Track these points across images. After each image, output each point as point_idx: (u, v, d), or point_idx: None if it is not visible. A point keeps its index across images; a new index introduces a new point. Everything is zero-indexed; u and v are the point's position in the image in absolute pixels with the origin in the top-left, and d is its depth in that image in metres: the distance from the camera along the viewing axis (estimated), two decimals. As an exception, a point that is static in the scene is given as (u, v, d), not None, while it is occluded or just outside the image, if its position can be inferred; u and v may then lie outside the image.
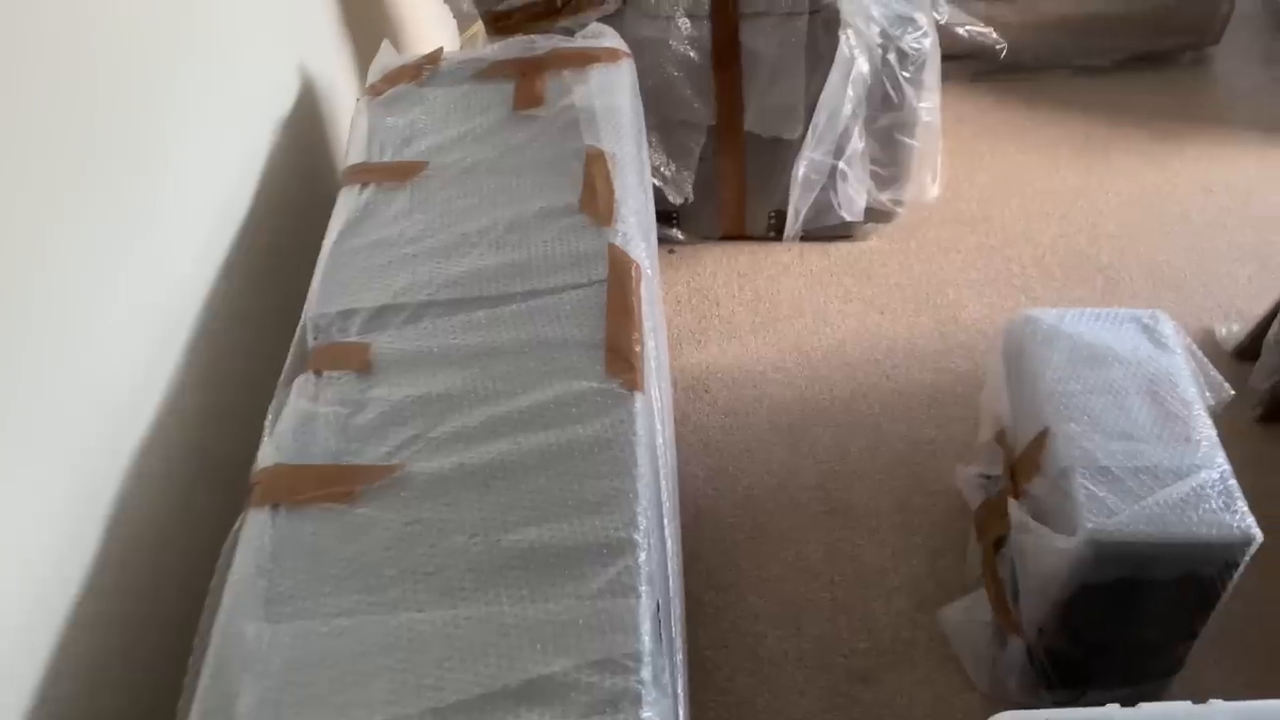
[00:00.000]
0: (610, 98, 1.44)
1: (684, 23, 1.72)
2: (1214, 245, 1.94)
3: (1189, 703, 0.95)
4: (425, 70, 1.49)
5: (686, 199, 1.90)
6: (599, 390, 1.04)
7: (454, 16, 2.17)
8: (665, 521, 1.03)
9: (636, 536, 0.91)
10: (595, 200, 1.27)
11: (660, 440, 1.07)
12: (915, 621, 1.42)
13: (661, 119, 1.79)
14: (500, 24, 1.77)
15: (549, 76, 1.46)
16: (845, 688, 1.37)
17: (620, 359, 1.08)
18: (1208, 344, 1.75)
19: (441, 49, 1.52)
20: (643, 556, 0.90)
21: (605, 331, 1.10)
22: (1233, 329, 1.75)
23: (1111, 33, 2.35)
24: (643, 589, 0.88)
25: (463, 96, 1.45)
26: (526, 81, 1.45)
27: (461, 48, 2.24)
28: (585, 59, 1.50)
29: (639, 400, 1.04)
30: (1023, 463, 1.26)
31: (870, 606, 1.45)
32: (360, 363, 1.09)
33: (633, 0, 1.73)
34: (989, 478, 1.42)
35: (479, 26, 1.95)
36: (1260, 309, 1.67)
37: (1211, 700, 0.94)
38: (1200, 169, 2.11)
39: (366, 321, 1.13)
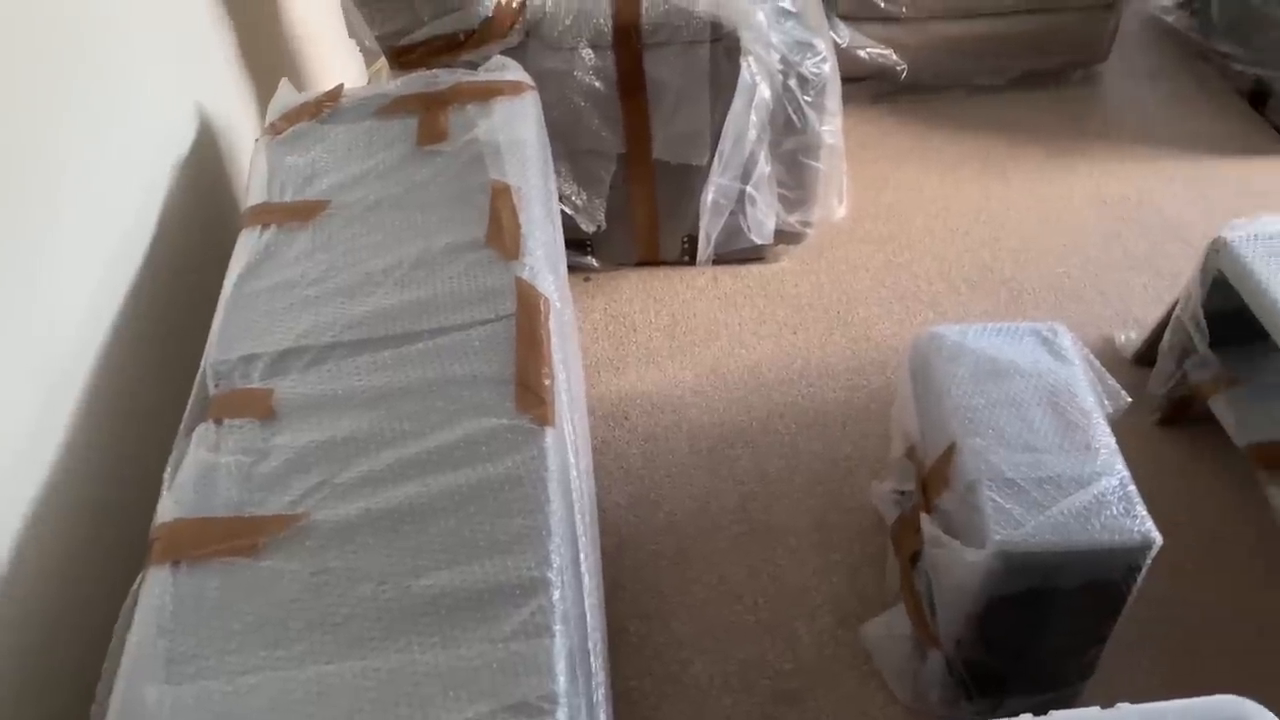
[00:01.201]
0: (515, 131, 1.44)
1: (587, 53, 1.73)
2: (1110, 256, 2.01)
3: (1097, 708, 0.97)
4: (325, 108, 1.48)
5: (600, 227, 1.91)
6: (509, 427, 1.03)
7: (360, 52, 2.16)
8: (582, 556, 1.03)
9: (549, 575, 0.91)
10: (501, 234, 1.27)
11: (575, 474, 1.07)
12: (838, 639, 1.44)
13: (570, 148, 1.80)
14: (403, 59, 1.76)
15: (453, 111, 1.46)
16: (771, 709, 1.37)
17: (530, 394, 1.07)
18: (1108, 352, 1.81)
19: (342, 86, 1.50)
20: (556, 595, 0.90)
21: (515, 367, 1.10)
22: (1131, 336, 1.81)
23: (1005, 52, 2.43)
24: (557, 628, 0.88)
25: (365, 133, 1.44)
26: (430, 116, 1.45)
27: (369, 83, 2.23)
28: (489, 92, 1.49)
29: (550, 435, 1.03)
30: (932, 477, 1.29)
31: (793, 626, 1.46)
32: (263, 409, 1.07)
33: (535, 32, 1.74)
34: (903, 493, 1.45)
35: (383, 62, 1.94)
36: (1155, 316, 1.73)
37: (1119, 704, 0.97)
38: (1094, 182, 2.19)
39: (269, 366, 1.11)
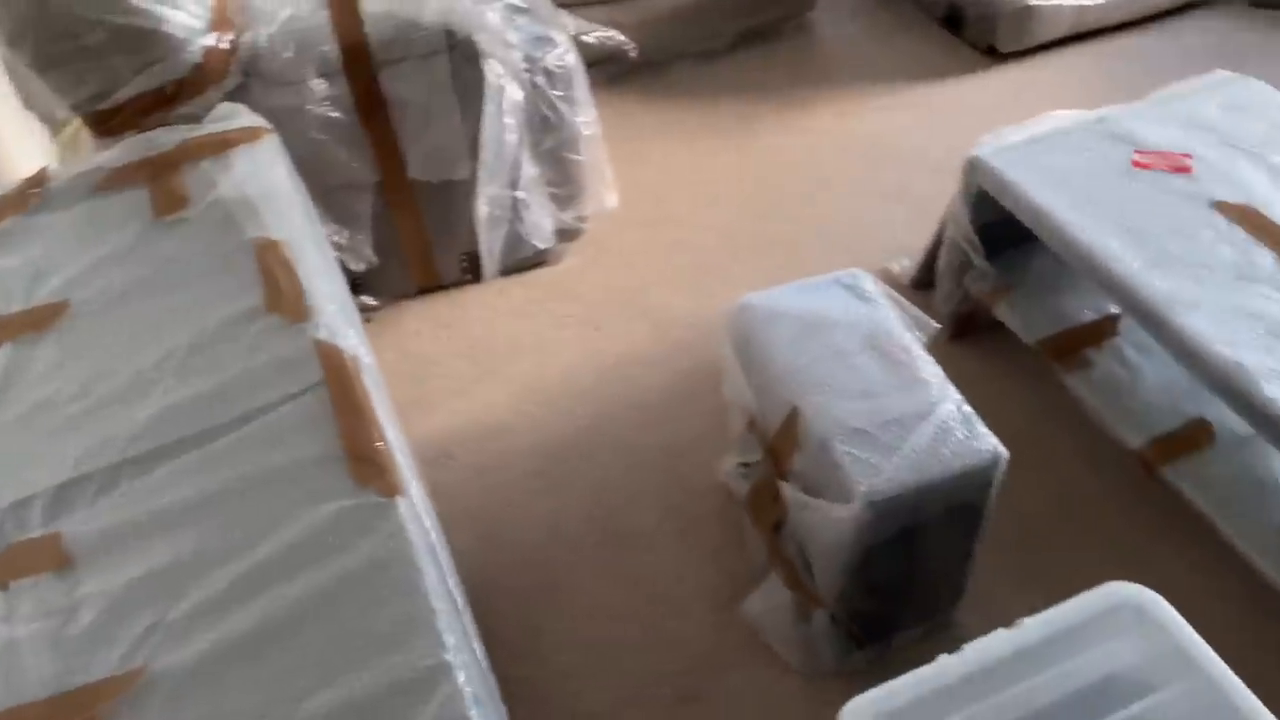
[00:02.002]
0: (263, 180, 1.31)
1: (318, 84, 1.60)
2: (865, 192, 2.10)
3: (1003, 629, 1.00)
4: (31, 197, 1.28)
5: (370, 263, 1.78)
6: (354, 508, 0.93)
7: (41, 122, 1.90)
8: (468, 624, 0.94)
9: (448, 658, 0.82)
10: (281, 296, 1.15)
11: (435, 537, 0.98)
12: (720, 625, 1.42)
13: (321, 186, 1.66)
14: (106, 124, 1.56)
15: (186, 172, 1.31)
16: (675, 713, 1.34)
17: (367, 465, 0.97)
18: (889, 283, 1.88)
19: (45, 168, 1.31)
20: (462, 677, 0.81)
21: (340, 439, 0.99)
22: (905, 264, 1.90)
23: (720, 16, 2.48)
24: (473, 713, 0.79)
25: (87, 216, 1.26)
26: (161, 183, 1.29)
27: (61, 157, 1.97)
28: (222, 144, 1.35)
29: (402, 505, 0.94)
30: (780, 444, 1.29)
31: (674, 625, 1.42)
32: (55, 558, 0.91)
33: (255, 70, 1.59)
34: (748, 465, 1.44)
35: (76, 125, 1.71)
36: (922, 242, 1.82)
37: (1018, 620, 1.00)
38: (831, 126, 2.28)
39: (49, 507, 0.94)
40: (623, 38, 2.31)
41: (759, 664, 1.38)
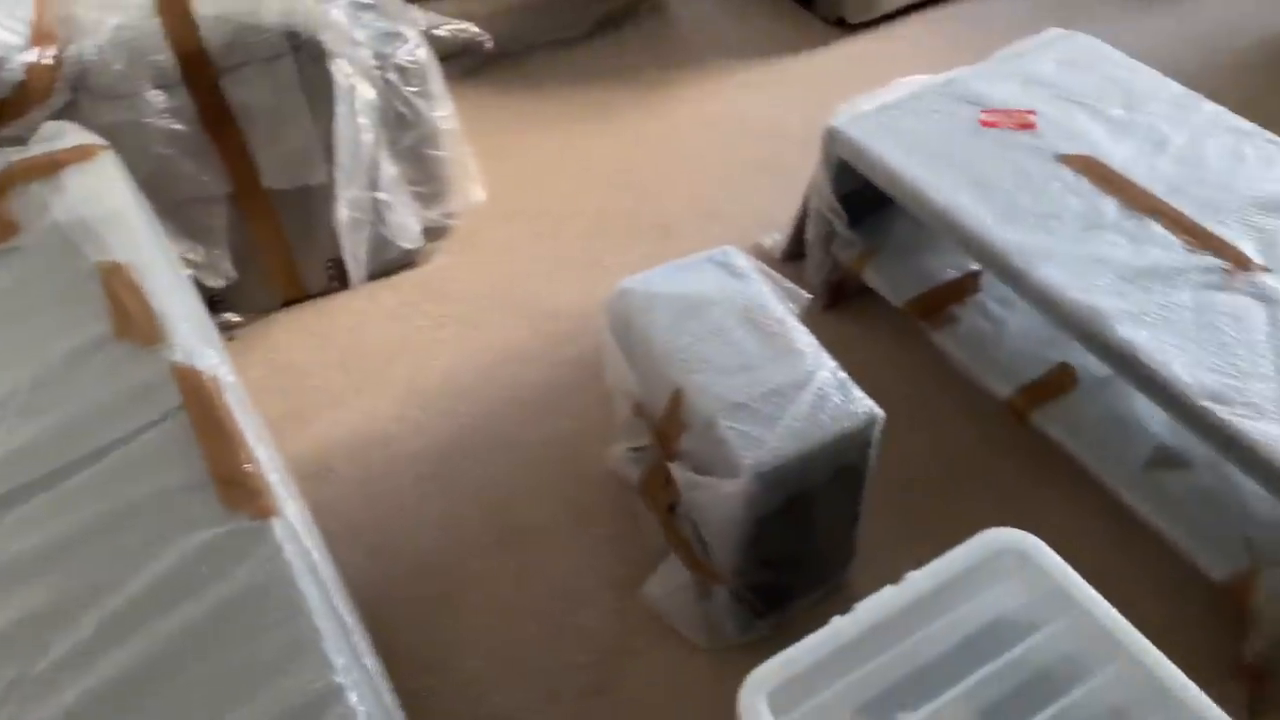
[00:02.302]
0: (102, 200, 1.24)
1: (155, 95, 1.52)
2: (732, 171, 2.12)
3: (890, 586, 1.02)
4: None
5: (229, 278, 1.71)
6: (226, 535, 0.89)
7: None
8: (358, 641, 0.91)
9: (338, 679, 0.79)
10: (131, 320, 1.09)
11: (317, 556, 0.95)
12: (623, 612, 1.42)
13: (169, 202, 1.58)
14: (-78, 151, 1.45)
15: (13, 198, 1.23)
16: (585, 706, 1.33)
17: (237, 489, 0.93)
18: (761, 257, 1.91)
19: None
20: (354, 697, 0.79)
21: (206, 463, 0.95)
22: (776, 238, 1.92)
23: (573, 3, 2.47)
24: (369, 733, 0.77)
25: (-93, 252, 1.17)
26: (-12, 210, 1.21)
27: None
28: (52, 166, 1.28)
29: (278, 526, 0.90)
30: (666, 426, 1.29)
31: (577, 617, 1.41)
32: (-103, 624, 0.84)
33: (84, 86, 1.50)
34: (638, 450, 1.44)
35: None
36: (791, 214, 1.85)
37: (905, 575, 1.02)
38: (692, 106, 2.29)
39: (-114, 569, 0.87)
40: (477, 30, 2.27)
41: (665, 646, 1.38)
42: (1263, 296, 1.29)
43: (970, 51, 1.84)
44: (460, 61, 2.34)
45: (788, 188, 1.93)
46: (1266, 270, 1.32)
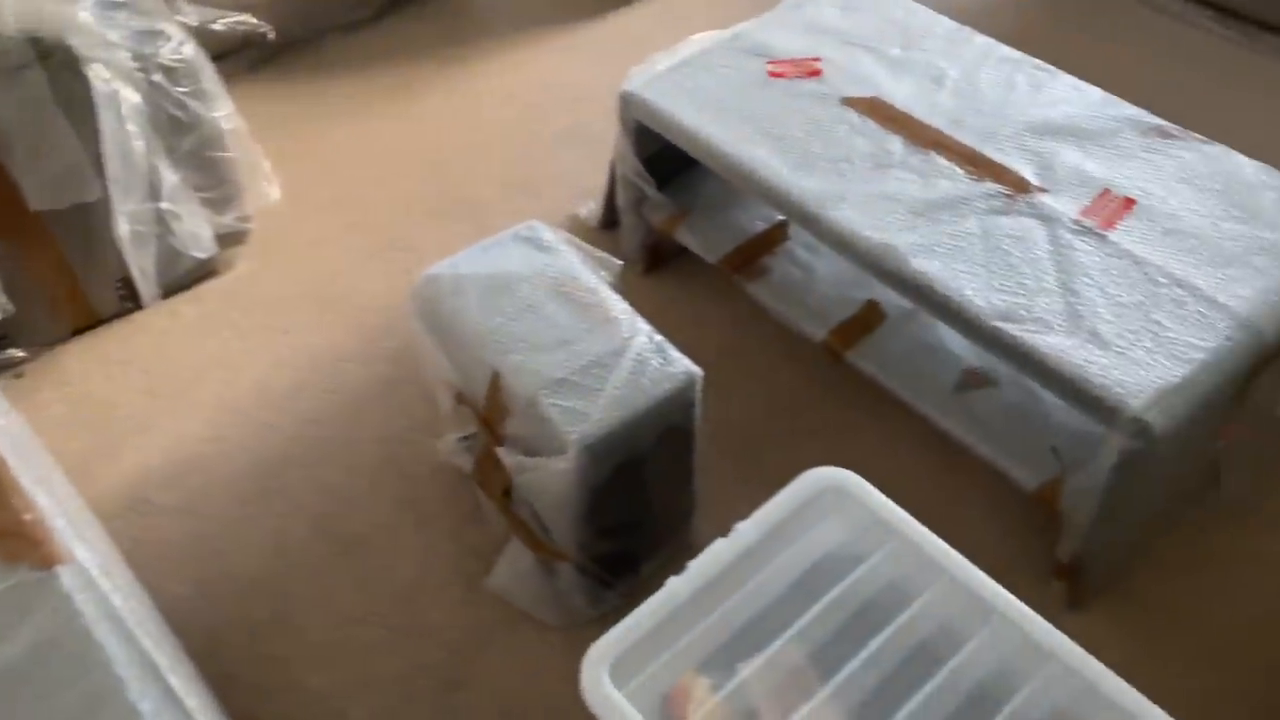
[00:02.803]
0: None
1: (-114, 120, 1.38)
2: (541, 140, 2.09)
3: (720, 539, 1.03)
4: None
5: (5, 312, 1.58)
6: (6, 590, 0.82)
7: None
8: (173, 682, 0.86)
9: (146, 728, 0.74)
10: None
11: (120, 600, 0.88)
12: (473, 602, 1.39)
13: (-80, 239, 1.45)
14: None
15: None
16: (444, 703, 1.31)
17: (14, 539, 0.86)
18: (578, 228, 1.90)
19: None
20: (166, 743, 0.74)
21: (-24, 519, 0.87)
22: (591, 207, 1.91)
23: (361, -17, 2.38)
24: (185, 778, 0.73)
25: None
26: None
27: None
28: None
29: (66, 574, 0.84)
30: (490, 411, 1.27)
31: (426, 616, 1.38)
32: None
33: None
34: (468, 438, 1.41)
35: None
36: (602, 181, 1.84)
37: (734, 526, 1.04)
38: (495, 79, 2.25)
39: None
40: (255, 20, 2.16)
41: (518, 631, 1.37)
42: (1042, 216, 1.36)
43: (759, 2, 1.86)
44: (244, 55, 2.22)
45: (599, 154, 1.91)
46: (1044, 191, 1.39)
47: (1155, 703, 0.99)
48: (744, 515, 1.04)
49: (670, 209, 1.69)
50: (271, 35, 2.17)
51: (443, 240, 1.86)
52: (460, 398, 1.34)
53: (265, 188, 1.80)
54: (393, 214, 1.94)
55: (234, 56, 2.17)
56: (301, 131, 2.10)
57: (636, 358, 1.22)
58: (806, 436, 1.57)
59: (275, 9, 2.20)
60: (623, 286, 1.39)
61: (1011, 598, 0.97)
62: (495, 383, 1.23)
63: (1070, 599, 1.36)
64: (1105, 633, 1.34)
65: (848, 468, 1.19)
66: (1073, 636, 1.34)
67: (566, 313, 1.27)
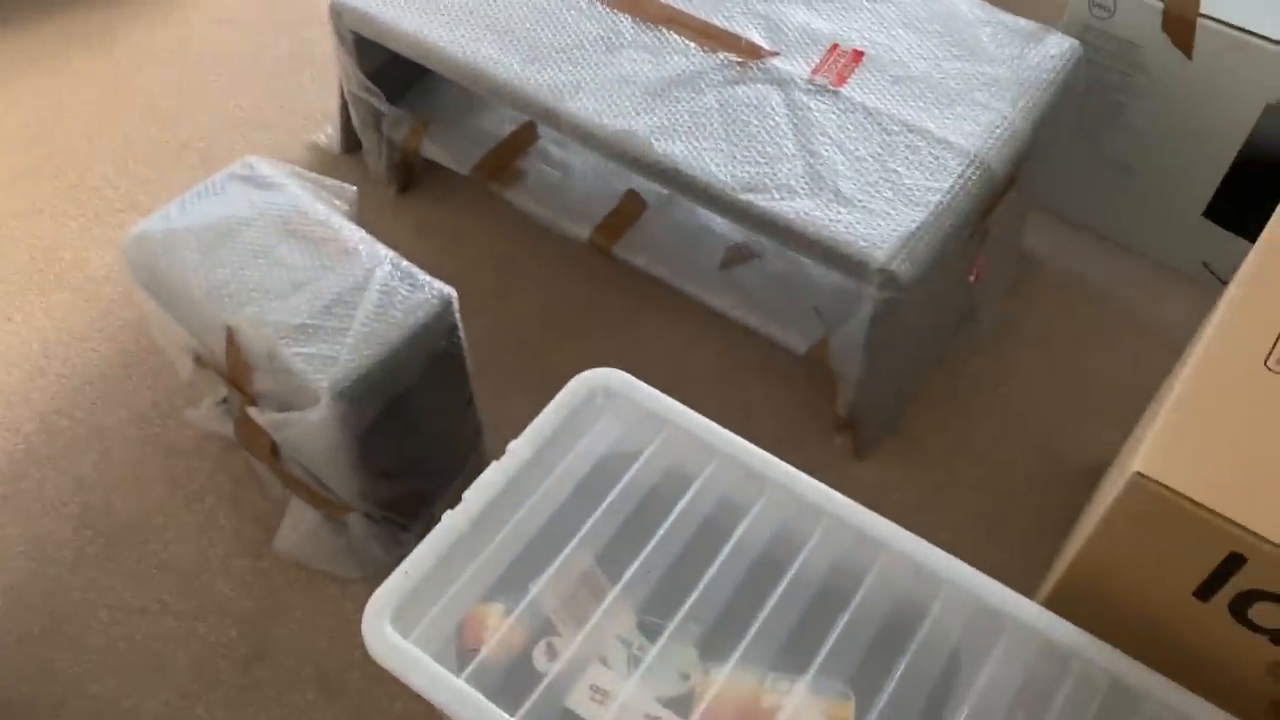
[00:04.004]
0: None
1: None
2: (266, 68, 1.93)
3: (495, 461, 1.00)
4: None
5: None
6: None
7: None
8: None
9: None
10: None
11: None
12: (263, 571, 1.32)
13: None
14: None
15: None
16: (249, 678, 1.24)
17: None
18: (319, 155, 1.78)
19: None
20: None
21: None
22: (330, 131, 1.79)
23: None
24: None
25: None
26: None
27: None
28: None
29: None
30: (234, 371, 1.17)
31: (215, 594, 1.30)
32: None
33: None
34: (225, 400, 1.32)
35: None
36: (334, 104, 1.72)
37: (508, 445, 1.00)
38: (210, 6, 2.05)
39: None
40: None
41: (317, 591, 1.31)
42: (776, 80, 1.35)
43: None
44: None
45: (330, 74, 1.78)
46: (775, 54, 1.37)
47: (939, 529, 1.04)
48: (535, 425, 1.01)
49: (409, 122, 1.59)
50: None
51: (171, 191, 1.70)
52: (200, 361, 1.24)
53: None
54: (112, 168, 1.75)
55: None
56: (-12, 91, 1.87)
57: (382, 288, 1.15)
58: (589, 336, 1.55)
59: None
60: (374, 212, 1.31)
61: (781, 464, 0.98)
62: (231, 340, 1.14)
63: (855, 450, 1.41)
64: (891, 475, 1.40)
65: (633, 359, 1.17)
66: (861, 484, 1.41)
67: (300, 252, 1.18)
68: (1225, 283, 0.97)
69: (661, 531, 0.96)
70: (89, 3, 2.06)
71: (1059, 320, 1.56)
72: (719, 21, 1.41)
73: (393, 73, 1.56)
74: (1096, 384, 1.49)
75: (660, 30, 1.40)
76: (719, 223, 1.48)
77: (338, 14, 1.47)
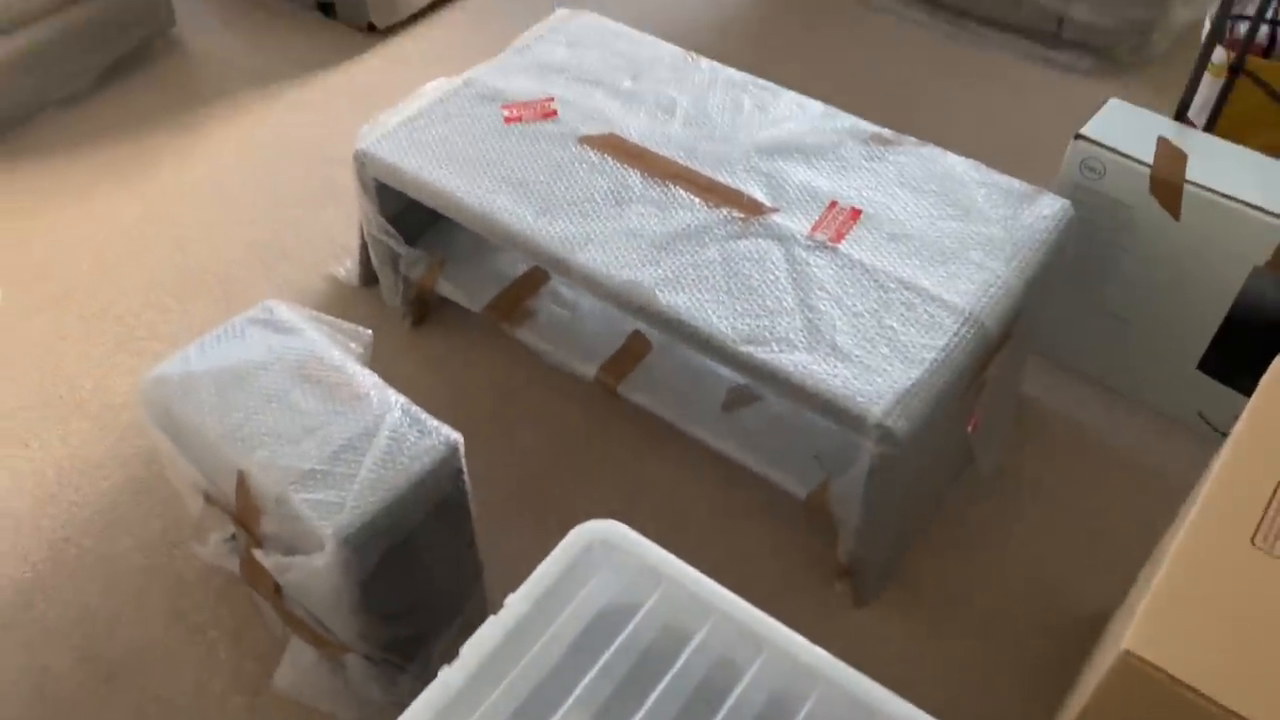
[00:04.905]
0: None
1: None
2: (289, 202, 2.01)
3: (493, 616, 1.01)
4: None
5: None
6: None
7: None
8: None
9: None
10: None
11: None
12: (260, 707, 1.32)
13: None
14: None
15: None
16: (241, 824, 1.23)
17: None
18: (338, 288, 1.83)
19: None
20: None
21: None
22: (348, 265, 1.85)
23: (73, 54, 2.21)
24: None
25: None
26: None
27: None
28: None
29: None
30: (242, 513, 1.20)
31: (211, 731, 1.30)
32: None
33: None
34: (232, 537, 1.33)
35: None
36: (353, 237, 1.78)
37: (505, 601, 1.02)
38: (234, 142, 2.14)
39: None
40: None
41: (312, 730, 1.30)
42: (776, 236, 1.40)
43: (495, 44, 1.85)
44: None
45: (350, 209, 1.86)
46: (775, 211, 1.43)
47: (934, 680, 1.04)
48: (536, 566, 1.02)
49: (426, 263, 1.65)
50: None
51: (192, 322, 1.77)
52: (210, 499, 1.26)
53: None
54: (136, 298, 1.81)
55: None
56: (23, 219, 1.95)
57: (391, 435, 1.18)
58: (591, 472, 1.57)
59: (-25, 90, 2.03)
60: (387, 347, 1.34)
61: (778, 625, 0.99)
62: (242, 483, 1.16)
63: (855, 597, 1.41)
64: (890, 624, 1.40)
65: (635, 497, 1.19)
66: (861, 633, 1.40)
67: (312, 397, 1.22)
68: (1221, 433, 0.99)
69: (657, 693, 0.97)
70: (120, 135, 2.15)
71: (1058, 467, 1.58)
72: (723, 178, 1.47)
73: (412, 213, 1.63)
74: (1096, 532, 1.50)
75: (667, 185, 1.46)
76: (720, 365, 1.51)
77: (362, 162, 1.54)
